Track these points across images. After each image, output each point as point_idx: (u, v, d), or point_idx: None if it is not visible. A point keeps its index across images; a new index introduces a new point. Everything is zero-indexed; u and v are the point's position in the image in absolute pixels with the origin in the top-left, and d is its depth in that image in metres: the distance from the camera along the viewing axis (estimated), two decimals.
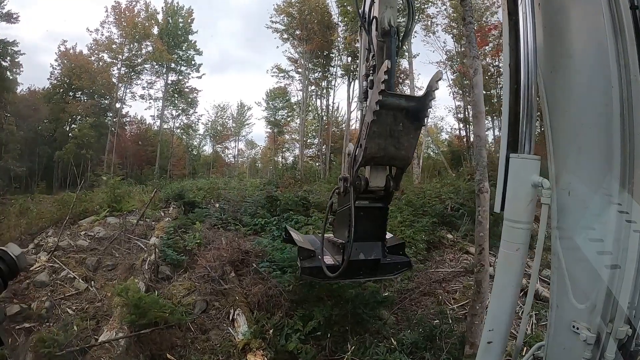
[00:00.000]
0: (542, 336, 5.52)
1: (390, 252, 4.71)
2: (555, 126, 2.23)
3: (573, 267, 2.12)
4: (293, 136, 53.99)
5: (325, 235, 5.25)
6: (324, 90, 43.33)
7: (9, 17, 37.04)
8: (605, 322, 1.97)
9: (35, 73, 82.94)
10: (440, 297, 7.53)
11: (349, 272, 4.52)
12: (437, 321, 6.45)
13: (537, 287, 7.67)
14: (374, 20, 4.02)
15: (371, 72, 4.07)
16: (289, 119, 52.45)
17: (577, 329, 2.04)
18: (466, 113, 34.91)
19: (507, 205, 2.17)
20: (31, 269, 7.76)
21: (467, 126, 34.16)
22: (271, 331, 5.71)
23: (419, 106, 3.62)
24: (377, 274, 4.78)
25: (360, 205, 4.28)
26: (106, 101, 45.58)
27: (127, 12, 43.34)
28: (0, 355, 2.02)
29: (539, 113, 2.27)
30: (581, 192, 2.09)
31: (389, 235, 5.03)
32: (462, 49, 32.54)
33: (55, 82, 44.66)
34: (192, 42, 47.25)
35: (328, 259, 4.55)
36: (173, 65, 46.39)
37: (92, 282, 7.63)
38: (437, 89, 3.67)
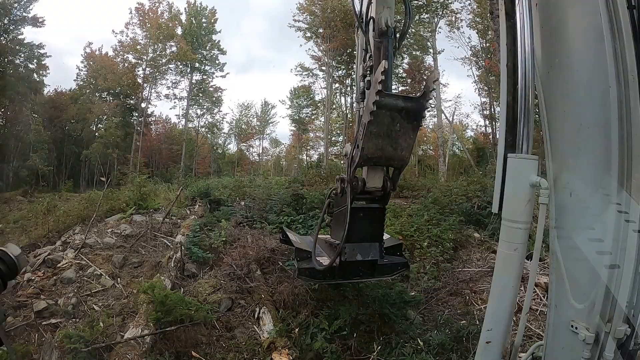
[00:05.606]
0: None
1: (387, 253, 4.73)
2: (554, 126, 2.23)
3: (572, 266, 2.12)
4: (317, 134, 54.15)
5: (323, 236, 5.28)
6: (348, 88, 43.14)
7: (35, 21, 38.68)
8: (604, 322, 1.97)
9: (62, 75, 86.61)
10: (468, 297, 7.33)
11: (347, 273, 4.55)
12: (464, 322, 6.31)
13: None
14: (371, 20, 4.03)
15: (368, 72, 4.10)
16: (313, 117, 52.48)
17: (576, 328, 2.04)
18: (492, 110, 34.36)
19: (505, 205, 2.19)
20: (58, 265, 8.02)
21: (493, 123, 33.55)
22: (297, 330, 5.65)
23: (417, 106, 3.60)
24: (374, 275, 4.76)
25: (358, 206, 4.30)
26: (132, 101, 46.52)
27: (150, 13, 44.03)
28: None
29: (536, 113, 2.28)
30: (580, 192, 2.08)
31: (386, 236, 5.02)
32: (487, 44, 31.95)
33: (81, 83, 46.37)
34: (216, 41, 47.85)
35: (326, 260, 4.54)
36: (197, 64, 46.88)
37: (118, 279, 7.75)
38: (434, 89, 3.64)
